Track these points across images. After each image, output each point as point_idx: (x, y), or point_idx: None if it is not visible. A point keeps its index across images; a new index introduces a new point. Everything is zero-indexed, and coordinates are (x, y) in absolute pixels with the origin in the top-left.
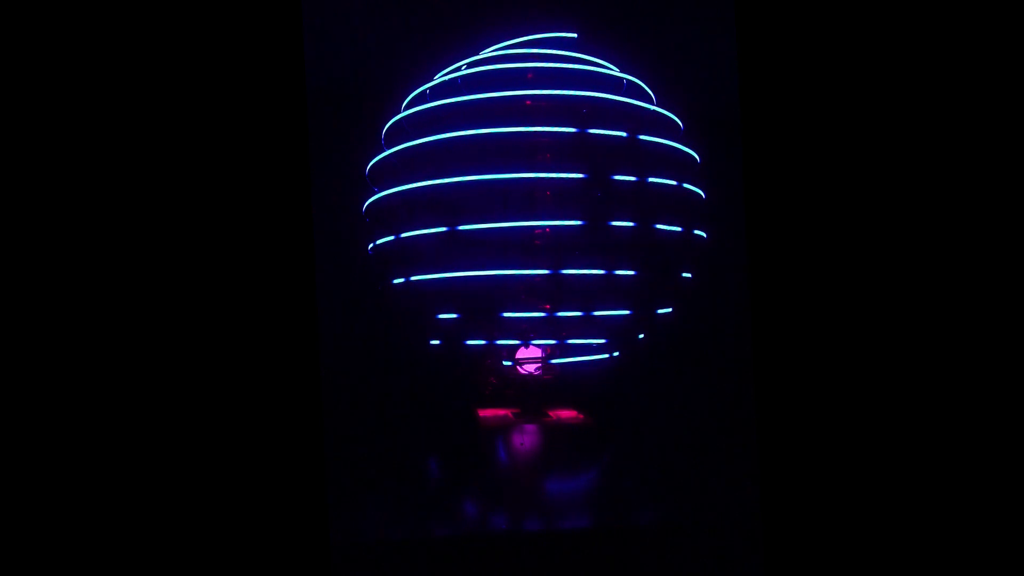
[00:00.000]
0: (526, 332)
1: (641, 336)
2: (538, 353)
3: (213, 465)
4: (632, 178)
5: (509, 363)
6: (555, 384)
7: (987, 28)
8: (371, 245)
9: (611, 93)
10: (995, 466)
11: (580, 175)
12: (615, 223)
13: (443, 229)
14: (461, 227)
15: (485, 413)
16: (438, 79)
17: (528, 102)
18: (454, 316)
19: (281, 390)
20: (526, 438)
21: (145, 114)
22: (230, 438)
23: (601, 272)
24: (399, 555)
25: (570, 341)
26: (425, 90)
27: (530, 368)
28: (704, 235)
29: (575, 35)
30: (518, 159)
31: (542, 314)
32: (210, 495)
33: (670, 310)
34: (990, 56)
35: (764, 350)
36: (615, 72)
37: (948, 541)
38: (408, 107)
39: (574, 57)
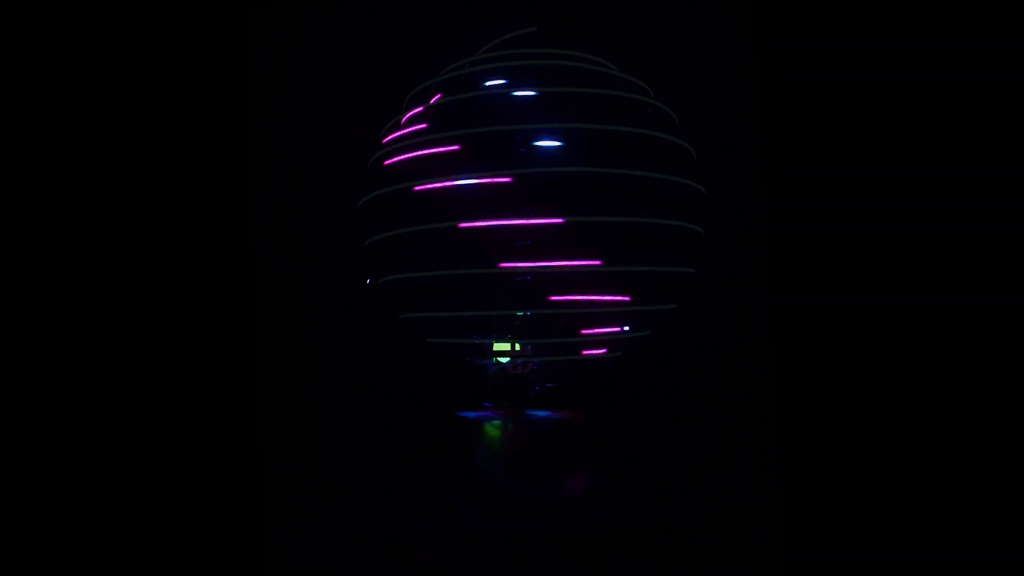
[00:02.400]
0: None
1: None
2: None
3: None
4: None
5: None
6: (554, 383)
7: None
8: (367, 241)
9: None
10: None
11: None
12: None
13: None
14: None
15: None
16: (444, 74)
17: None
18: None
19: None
20: (517, 439)
21: (147, 113)
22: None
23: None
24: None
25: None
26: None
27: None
28: (701, 230)
29: (534, 28)
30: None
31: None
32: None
33: (673, 305)
34: (983, 47)
35: (781, 349)
36: (614, 70)
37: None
38: (411, 103)
39: (576, 56)
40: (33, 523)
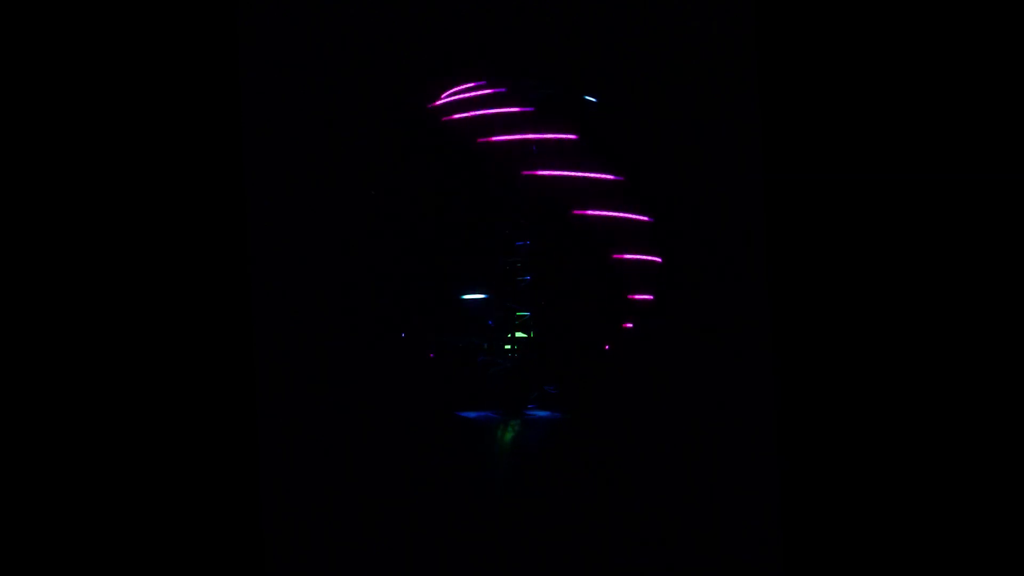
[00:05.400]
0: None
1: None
2: None
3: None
4: None
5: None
6: (554, 383)
7: None
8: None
9: None
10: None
11: None
12: None
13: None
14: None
15: None
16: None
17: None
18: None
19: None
20: None
21: (147, 115)
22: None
23: None
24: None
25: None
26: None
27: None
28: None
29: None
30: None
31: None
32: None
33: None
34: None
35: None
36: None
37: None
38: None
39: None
40: (29, 522)
